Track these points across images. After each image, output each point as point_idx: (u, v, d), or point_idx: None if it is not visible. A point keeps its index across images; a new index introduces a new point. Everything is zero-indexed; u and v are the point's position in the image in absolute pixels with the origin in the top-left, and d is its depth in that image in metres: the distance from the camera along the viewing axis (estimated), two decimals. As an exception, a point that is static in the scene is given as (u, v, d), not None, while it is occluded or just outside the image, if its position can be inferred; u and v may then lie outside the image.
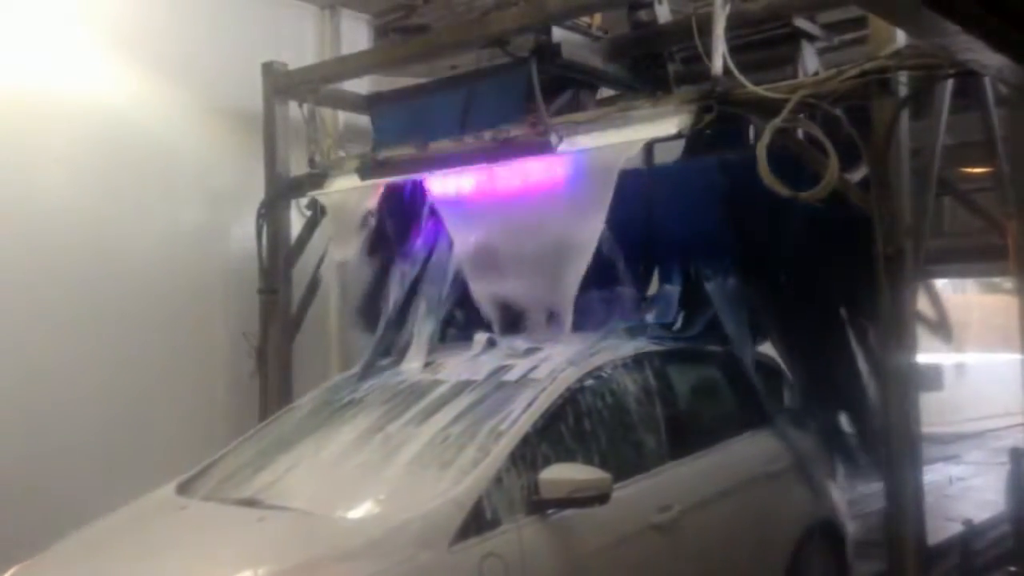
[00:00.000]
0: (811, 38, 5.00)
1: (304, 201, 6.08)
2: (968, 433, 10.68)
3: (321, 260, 6.05)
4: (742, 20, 4.62)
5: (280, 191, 6.12)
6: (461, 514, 3.20)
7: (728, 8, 4.31)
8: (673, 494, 3.96)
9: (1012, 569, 4.84)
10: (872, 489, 6.96)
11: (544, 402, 3.72)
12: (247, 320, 6.14)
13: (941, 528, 5.10)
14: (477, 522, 3.23)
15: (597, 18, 5.42)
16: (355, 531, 3.20)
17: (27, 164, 5.32)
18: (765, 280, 4.87)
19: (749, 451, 4.53)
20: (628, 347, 4.33)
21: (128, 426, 5.56)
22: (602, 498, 3.39)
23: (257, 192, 6.16)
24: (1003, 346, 13.16)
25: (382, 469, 3.57)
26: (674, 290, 5.03)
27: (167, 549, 3.34)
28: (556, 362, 4.04)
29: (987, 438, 10.56)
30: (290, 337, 6.13)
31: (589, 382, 3.96)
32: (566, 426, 3.74)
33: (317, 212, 5.98)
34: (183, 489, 3.87)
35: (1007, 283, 10.11)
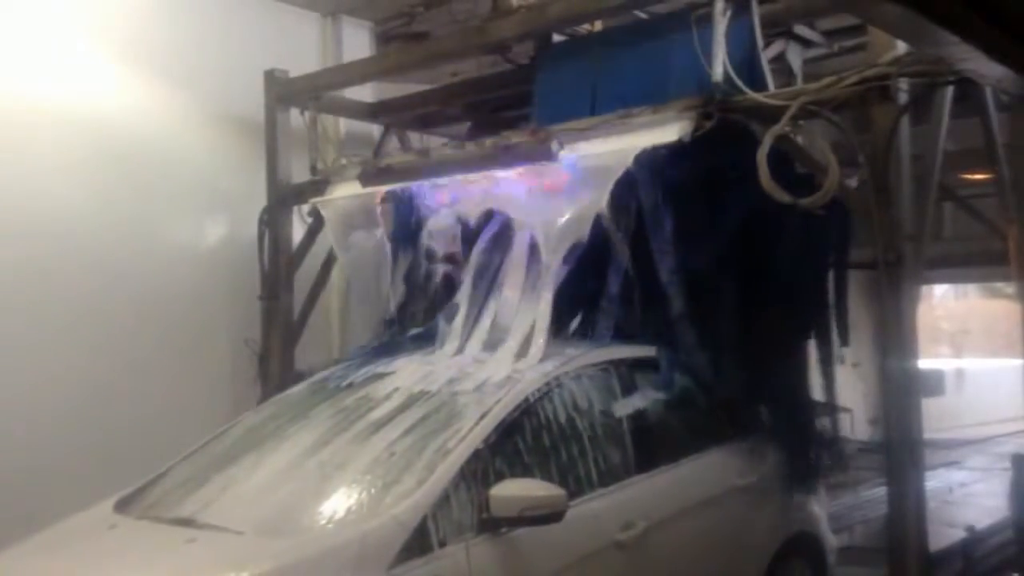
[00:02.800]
0: (805, 42, 5.02)
1: (306, 208, 6.10)
2: (970, 439, 10.66)
3: (324, 266, 6.07)
4: (742, 27, 4.62)
5: (282, 198, 6.15)
6: (403, 534, 3.02)
7: (728, 15, 4.32)
8: (638, 509, 3.75)
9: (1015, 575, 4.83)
10: (874, 495, 6.97)
11: (499, 413, 3.51)
12: (249, 326, 6.16)
13: (943, 534, 5.09)
14: (421, 543, 3.05)
15: (597, 25, 5.44)
16: (287, 553, 2.97)
17: (28, 172, 5.33)
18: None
19: (721, 463, 4.31)
20: (592, 355, 4.13)
21: (130, 433, 5.56)
22: (556, 516, 3.21)
23: (259, 199, 6.18)
24: (1005, 351, 13.18)
25: (324, 486, 3.38)
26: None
27: (83, 572, 3.16)
28: (514, 370, 3.86)
29: (989, 444, 10.54)
30: (292, 343, 6.15)
31: (548, 392, 3.75)
32: (522, 439, 3.55)
33: (318, 219, 5.99)
34: (121, 506, 3.65)
35: (1008, 288, 10.12)
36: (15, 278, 5.24)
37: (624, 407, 4.02)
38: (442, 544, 3.10)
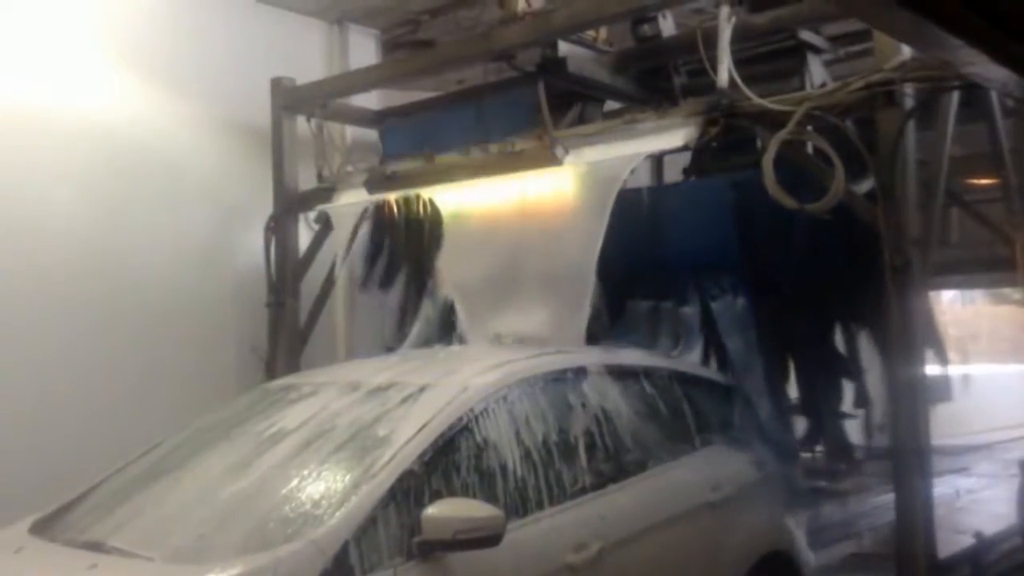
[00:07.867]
0: (816, 50, 5.02)
1: (312, 215, 6.12)
2: (978, 445, 10.61)
3: (330, 273, 6.08)
4: (747, 33, 4.64)
5: (288, 205, 6.17)
6: (322, 561, 2.76)
7: (733, 21, 4.33)
8: (593, 529, 3.47)
9: (1023, 582, 4.81)
10: (881, 501, 6.94)
11: (437, 428, 3.23)
12: (256, 333, 6.17)
13: (951, 541, 5.07)
14: (342, 570, 2.79)
15: (603, 32, 5.46)
16: None
17: (35, 180, 5.36)
18: (771, 295, 4.83)
19: (688, 478, 4.03)
20: (546, 362, 3.87)
21: (136, 441, 5.53)
22: (493, 539, 2.95)
23: (265, 206, 6.20)
24: (1013, 357, 13.15)
25: (240, 509, 3.09)
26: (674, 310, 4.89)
27: None
28: (458, 379, 3.60)
29: (997, 450, 10.48)
30: (298, 350, 6.15)
31: (494, 403, 3.46)
32: (464, 455, 3.26)
33: (325, 226, 6.01)
34: (36, 527, 3.40)
35: (1016, 294, 10.09)
36: (21, 287, 5.25)
37: (579, 419, 3.77)
38: (367, 571, 2.85)
